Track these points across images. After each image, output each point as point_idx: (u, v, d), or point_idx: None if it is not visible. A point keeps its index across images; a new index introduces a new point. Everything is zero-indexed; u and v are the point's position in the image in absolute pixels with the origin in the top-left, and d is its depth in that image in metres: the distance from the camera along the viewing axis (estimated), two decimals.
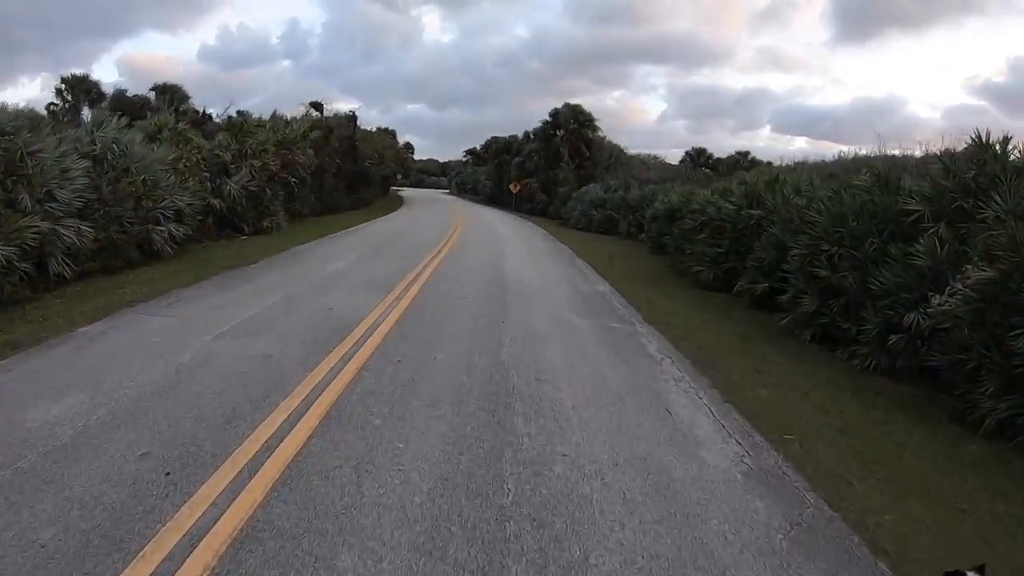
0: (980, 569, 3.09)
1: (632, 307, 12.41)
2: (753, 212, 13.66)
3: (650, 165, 44.61)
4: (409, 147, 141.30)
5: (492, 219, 34.42)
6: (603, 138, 45.78)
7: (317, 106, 34.33)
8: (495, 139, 61.21)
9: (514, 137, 56.08)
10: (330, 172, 30.13)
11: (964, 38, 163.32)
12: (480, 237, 24.94)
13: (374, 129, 46.80)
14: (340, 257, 16.56)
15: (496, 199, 57.00)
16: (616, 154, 46.79)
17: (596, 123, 44.53)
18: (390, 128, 70.01)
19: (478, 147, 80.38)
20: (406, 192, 68.90)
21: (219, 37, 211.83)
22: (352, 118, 36.98)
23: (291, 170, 22.29)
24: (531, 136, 50.15)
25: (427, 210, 42.35)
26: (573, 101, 46.57)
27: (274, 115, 27.37)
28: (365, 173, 37.48)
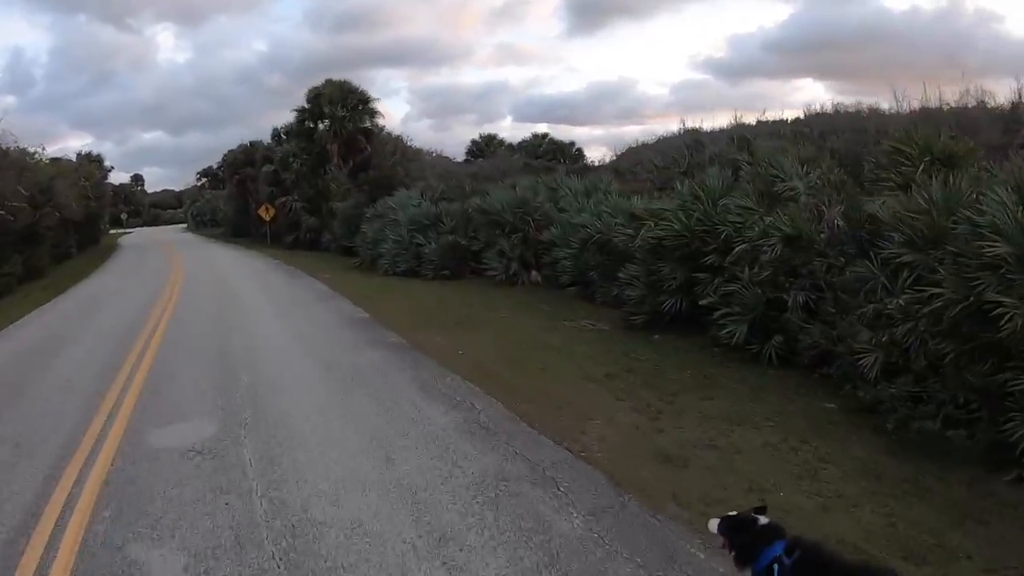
0: (761, 509, 3.25)
1: None
2: None
3: (436, 164, 31.99)
4: (138, 179, 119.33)
5: (231, 276, 19.91)
6: (383, 127, 31.96)
7: None
8: (233, 152, 44.22)
9: (257, 143, 40.40)
10: None
11: (686, 20, 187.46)
12: (200, 349, 10.16)
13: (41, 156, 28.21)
14: None
15: (242, 230, 40.82)
16: (401, 149, 33.33)
17: (374, 104, 30.59)
18: (93, 154, 50.96)
19: (215, 165, 62.75)
20: (130, 237, 52.89)
21: None
22: None
23: None
24: (283, 136, 35.02)
25: (132, 269, 25.96)
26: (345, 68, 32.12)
27: None
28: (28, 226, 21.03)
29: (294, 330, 10.96)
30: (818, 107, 17.66)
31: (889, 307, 6.13)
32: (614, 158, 24.65)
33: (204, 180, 70.04)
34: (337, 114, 29.79)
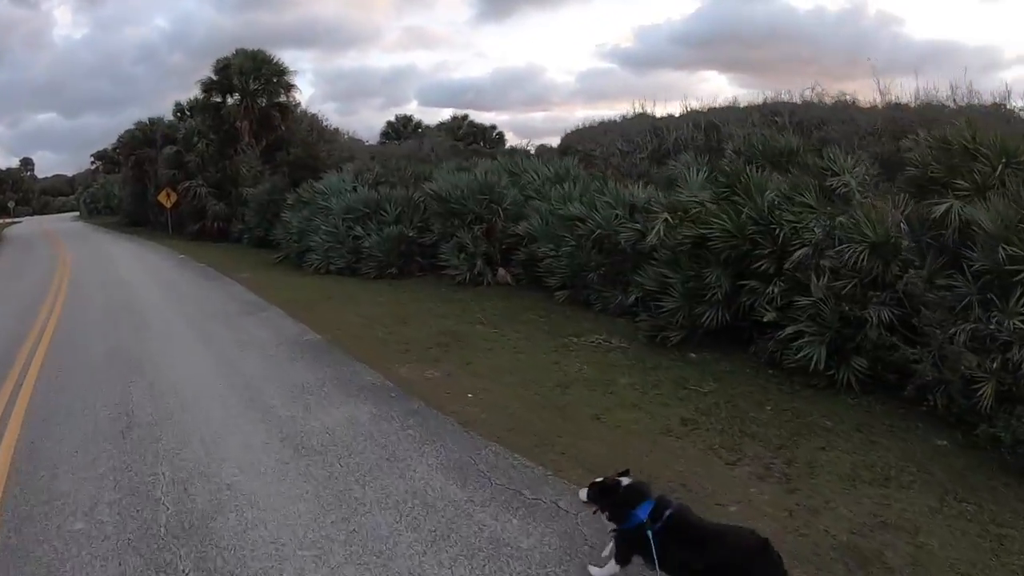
0: (625, 473, 3.45)
1: None
2: None
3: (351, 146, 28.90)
4: (28, 164, 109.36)
5: (130, 279, 15.60)
6: (298, 104, 28.45)
7: None
8: (130, 132, 39.18)
9: (158, 120, 35.95)
10: None
11: (594, 10, 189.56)
12: (86, 416, 6.51)
13: None
14: None
15: (140, 219, 36.42)
16: (318, 129, 29.90)
17: (289, 77, 27.05)
18: None
19: (110, 147, 56.76)
20: (16, 228, 47.05)
21: None
22: None
23: None
24: (187, 112, 30.94)
25: (4, 273, 21.32)
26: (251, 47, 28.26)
27: None
28: None
29: (222, 366, 7.75)
30: (787, 95, 15.58)
31: (992, 328, 5.28)
32: (559, 142, 22.35)
33: (98, 163, 63.93)
34: (249, 87, 26.13)
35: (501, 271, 12.40)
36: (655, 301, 8.01)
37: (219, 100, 26.94)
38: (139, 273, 16.38)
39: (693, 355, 7.46)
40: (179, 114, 32.25)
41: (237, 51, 26.72)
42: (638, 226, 8.98)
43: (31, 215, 78.74)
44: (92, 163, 66.25)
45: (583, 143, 18.26)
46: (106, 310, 11.25)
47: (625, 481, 3.35)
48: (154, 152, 33.54)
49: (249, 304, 11.23)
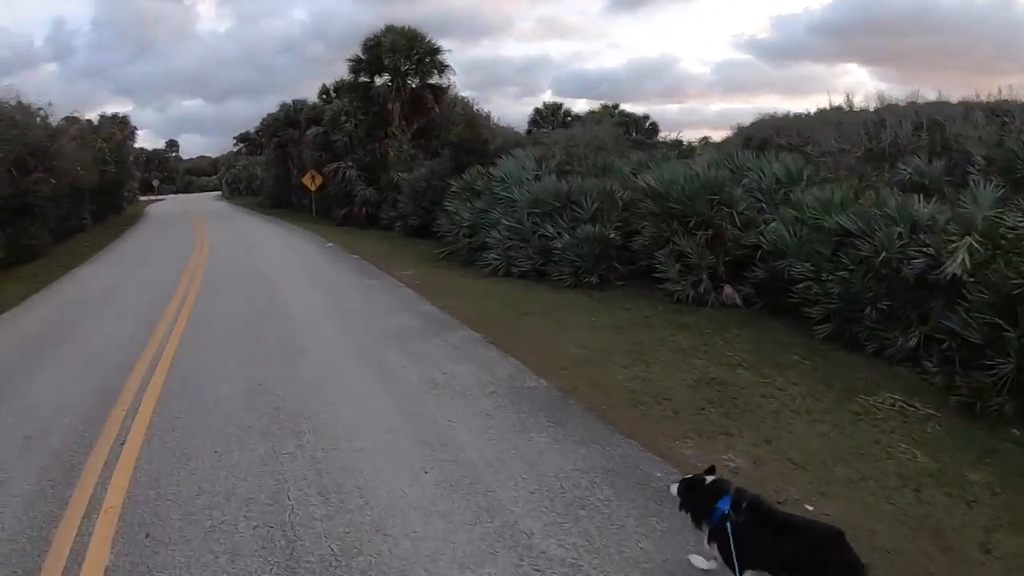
0: (710, 470, 3.48)
1: None
2: None
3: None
4: (173, 145, 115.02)
5: (273, 267, 14.22)
6: (451, 86, 26.63)
7: None
8: (273, 115, 38.75)
9: (301, 102, 35.33)
10: None
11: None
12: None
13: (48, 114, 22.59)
14: None
15: (282, 201, 36.03)
16: (469, 113, 28.06)
17: (443, 56, 25.26)
18: (119, 115, 45.52)
19: (252, 130, 57.52)
20: (159, 206, 48.13)
21: None
22: None
23: None
24: (332, 93, 29.92)
25: (143, 252, 20.27)
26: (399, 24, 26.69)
27: None
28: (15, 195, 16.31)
29: (419, 433, 5.13)
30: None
31: None
32: (730, 135, 19.56)
33: (241, 146, 65.15)
34: (400, 67, 24.58)
35: (728, 289, 9.77)
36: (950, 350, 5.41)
37: (367, 80, 25.58)
38: (284, 265, 14.55)
39: None
40: (324, 96, 31.35)
41: (387, 28, 25.11)
42: (930, 250, 6.39)
43: (175, 193, 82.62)
44: (235, 145, 67.54)
45: (777, 136, 15.41)
46: (246, 320, 8.96)
47: (709, 479, 3.37)
48: (297, 134, 32.85)
49: (428, 318, 8.81)
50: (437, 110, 25.31)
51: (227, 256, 16.15)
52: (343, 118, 24.11)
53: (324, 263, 14.51)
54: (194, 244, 18.88)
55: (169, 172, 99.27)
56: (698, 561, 3.43)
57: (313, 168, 25.65)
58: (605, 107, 41.45)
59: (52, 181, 17.48)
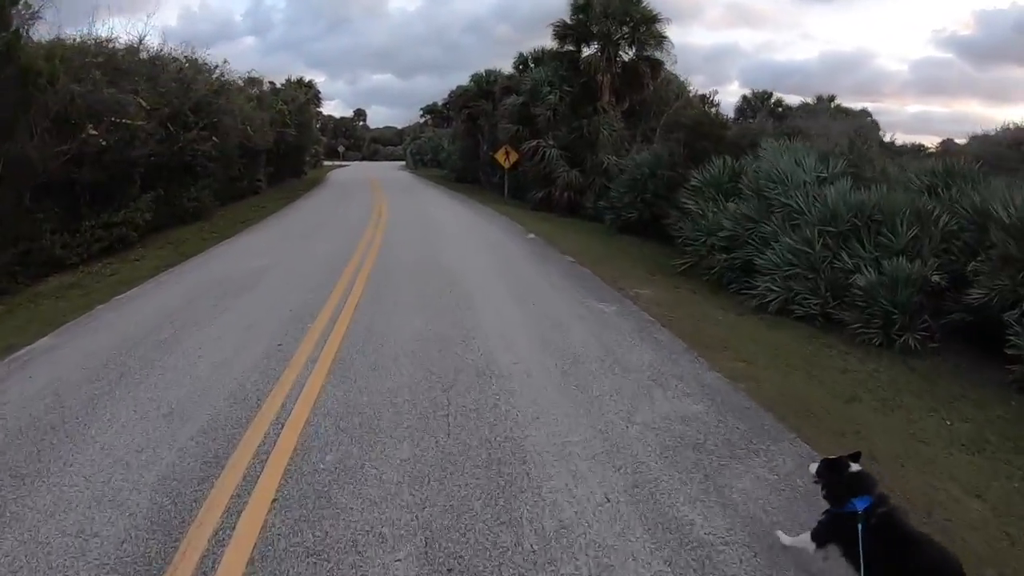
0: (855, 457, 3.31)
1: None
2: None
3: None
4: (360, 114, 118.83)
5: (460, 256, 12.05)
6: (673, 62, 23.27)
7: None
8: (463, 87, 36.92)
9: (494, 73, 33.36)
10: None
11: None
12: None
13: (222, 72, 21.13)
14: None
15: (469, 176, 34.43)
16: (684, 95, 24.68)
17: (661, 26, 21.98)
18: (304, 79, 45.84)
19: (439, 102, 56.74)
20: (342, 172, 48.80)
21: (181, 18, 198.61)
22: None
23: None
24: (530, 63, 27.59)
25: (313, 223, 18.86)
26: None
27: None
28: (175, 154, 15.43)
29: None
30: None
31: None
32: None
33: (427, 117, 65.20)
34: (612, 34, 21.67)
35: None
36: None
37: (573, 49, 22.88)
38: (475, 261, 11.74)
39: None
40: (521, 66, 29.11)
41: None
42: None
43: (360, 160, 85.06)
44: (421, 116, 67.79)
45: None
46: (425, 372, 5.93)
47: (855, 467, 3.25)
48: (490, 106, 30.91)
49: (719, 402, 5.46)
50: (651, 88, 22.26)
51: (404, 240, 13.93)
52: (546, 88, 21.54)
53: (527, 264, 11.70)
54: (368, 221, 17.03)
55: (356, 139, 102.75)
56: (784, 538, 3.49)
57: (507, 143, 23.40)
58: (820, 99, 36.45)
59: (214, 139, 16.32)
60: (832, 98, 36.50)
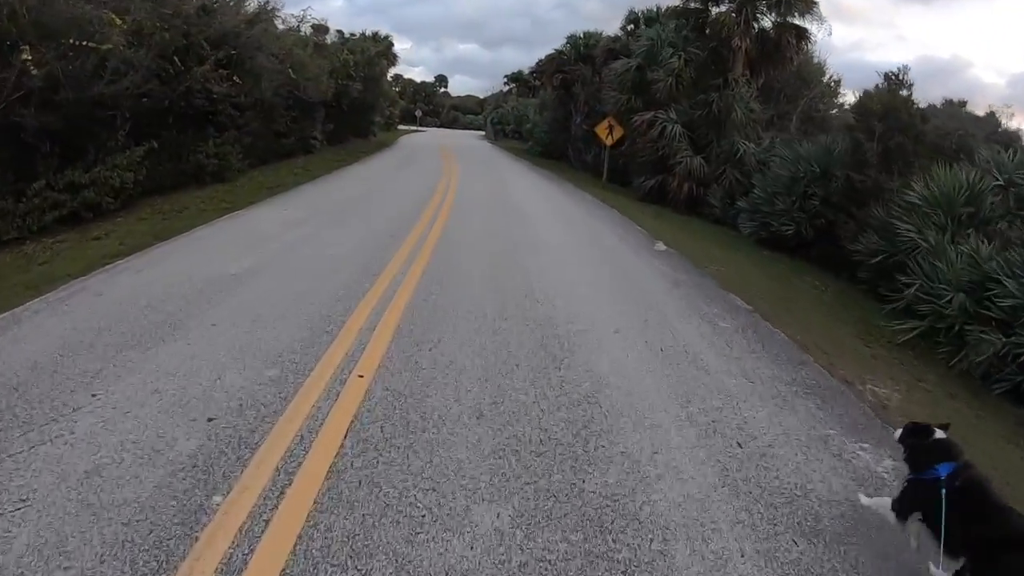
0: (944, 426, 3.17)
1: None
2: None
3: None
4: (442, 80, 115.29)
5: (557, 278, 7.43)
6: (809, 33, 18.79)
7: None
8: (557, 50, 32.66)
9: (595, 35, 29.33)
10: None
11: None
12: None
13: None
14: None
15: (556, 151, 30.56)
16: (818, 75, 20.32)
17: None
18: (380, 34, 41.73)
19: (526, 71, 52.42)
20: (416, 136, 45.85)
21: None
22: None
23: None
24: (641, 23, 23.54)
25: (374, 193, 15.29)
26: None
27: None
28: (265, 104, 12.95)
29: None
30: None
31: None
32: None
33: (512, 86, 61.08)
34: None
35: None
36: None
37: (700, 7, 18.73)
38: (580, 284, 7.47)
39: None
40: (631, 27, 25.07)
41: None
42: None
43: (438, 127, 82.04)
44: (505, 84, 63.71)
45: None
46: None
47: (940, 434, 3.11)
48: (589, 72, 26.96)
49: None
50: (795, 63, 18.01)
51: (472, 241, 9.53)
52: (668, 50, 17.49)
53: (675, 309, 7.00)
54: (429, 203, 12.95)
55: (435, 106, 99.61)
56: (864, 499, 3.49)
57: (612, 116, 19.48)
58: (950, 103, 31.20)
59: (235, 79, 12.89)
60: (963, 103, 31.48)
